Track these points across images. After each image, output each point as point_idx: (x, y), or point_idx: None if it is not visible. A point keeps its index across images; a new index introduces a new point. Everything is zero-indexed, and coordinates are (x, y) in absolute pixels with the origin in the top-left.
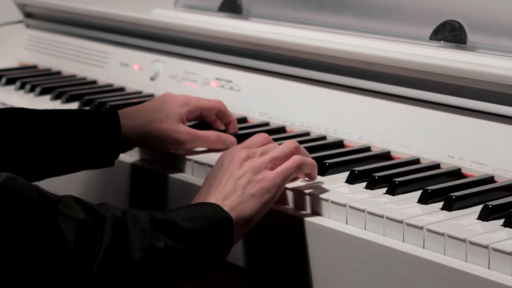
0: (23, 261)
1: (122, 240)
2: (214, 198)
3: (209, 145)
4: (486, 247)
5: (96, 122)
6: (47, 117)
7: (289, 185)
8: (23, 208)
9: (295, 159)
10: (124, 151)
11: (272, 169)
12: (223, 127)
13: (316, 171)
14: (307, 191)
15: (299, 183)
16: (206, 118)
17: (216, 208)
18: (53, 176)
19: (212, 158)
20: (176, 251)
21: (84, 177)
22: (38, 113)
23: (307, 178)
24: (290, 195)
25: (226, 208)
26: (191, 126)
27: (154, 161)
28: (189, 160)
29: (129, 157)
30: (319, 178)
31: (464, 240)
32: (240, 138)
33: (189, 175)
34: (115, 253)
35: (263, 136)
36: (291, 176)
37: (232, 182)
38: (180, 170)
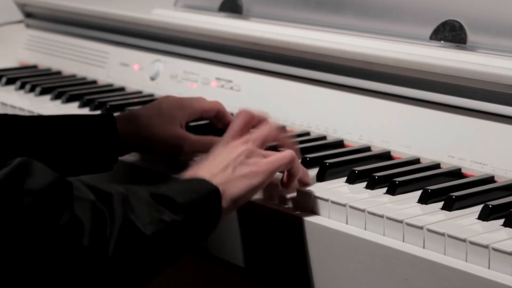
0: (40, 244)
1: (131, 215)
2: (202, 173)
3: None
4: (486, 247)
5: (92, 127)
6: (43, 123)
7: None
8: (40, 189)
9: (288, 153)
10: (122, 155)
11: (259, 147)
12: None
13: (308, 178)
14: (307, 191)
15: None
16: (206, 119)
17: (203, 181)
18: None
19: None
20: (177, 224)
21: (83, 177)
22: (35, 119)
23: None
24: (290, 194)
25: (214, 183)
26: (196, 126)
27: (154, 160)
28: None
29: (129, 156)
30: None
31: (464, 240)
32: None
33: None
34: (129, 230)
35: (244, 114)
36: (281, 167)
37: (223, 162)
38: (180, 169)
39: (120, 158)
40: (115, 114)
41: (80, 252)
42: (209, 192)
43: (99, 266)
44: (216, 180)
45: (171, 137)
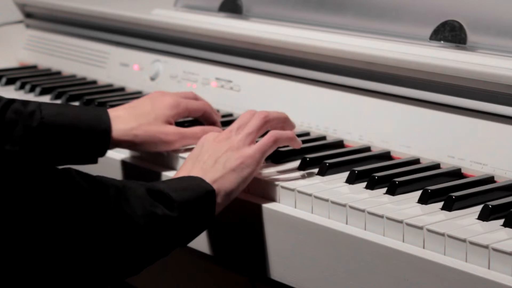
0: (33, 234)
1: (125, 207)
2: (196, 173)
3: (197, 141)
4: (486, 247)
5: (88, 122)
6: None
7: (290, 185)
8: (34, 181)
9: (271, 135)
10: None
11: (250, 144)
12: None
13: (296, 141)
14: (307, 191)
15: (299, 183)
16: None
17: (200, 180)
18: None
19: None
20: (170, 219)
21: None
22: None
23: (308, 178)
24: (290, 194)
25: (208, 181)
26: (182, 123)
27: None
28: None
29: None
30: (319, 178)
31: (464, 240)
32: None
33: None
34: (121, 220)
35: (249, 114)
36: (269, 150)
37: (212, 160)
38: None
39: (111, 155)
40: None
41: (69, 240)
42: (205, 192)
43: (89, 254)
44: (209, 178)
45: (160, 133)
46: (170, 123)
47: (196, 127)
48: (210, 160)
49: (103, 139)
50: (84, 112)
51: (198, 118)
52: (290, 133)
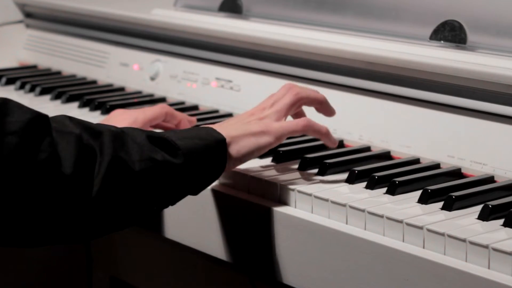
0: (23, 181)
1: (121, 152)
2: (212, 127)
3: None
4: (486, 247)
5: None
6: None
7: (290, 184)
8: (20, 128)
9: (302, 119)
10: None
11: (277, 120)
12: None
13: (329, 138)
14: (307, 191)
15: (299, 182)
16: (157, 125)
17: (211, 130)
18: None
19: None
20: (173, 166)
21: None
22: None
23: (308, 178)
24: (290, 194)
25: (223, 133)
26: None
27: None
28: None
29: None
30: (319, 178)
31: (464, 240)
32: None
33: None
34: (117, 165)
35: (283, 89)
36: (292, 133)
37: (236, 121)
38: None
39: None
40: None
41: (63, 185)
42: (215, 140)
43: (84, 199)
44: (225, 132)
45: None
46: None
47: None
48: (234, 121)
49: None
50: None
51: (166, 122)
52: (324, 128)
